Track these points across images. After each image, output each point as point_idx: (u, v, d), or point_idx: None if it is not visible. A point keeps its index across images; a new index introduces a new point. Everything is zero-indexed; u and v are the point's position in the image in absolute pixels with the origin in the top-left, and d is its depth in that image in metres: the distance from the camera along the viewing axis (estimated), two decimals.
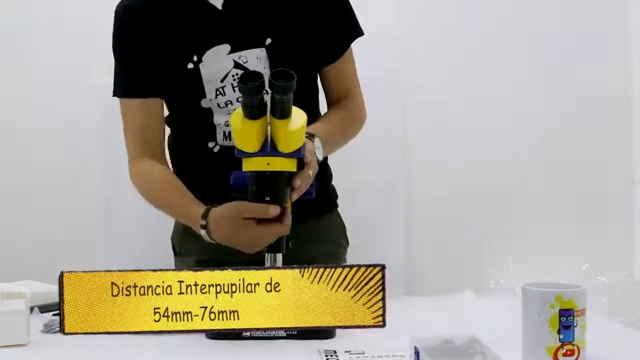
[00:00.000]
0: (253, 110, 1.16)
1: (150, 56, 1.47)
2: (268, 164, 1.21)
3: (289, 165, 1.22)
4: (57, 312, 1.32)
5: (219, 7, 1.44)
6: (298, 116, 1.21)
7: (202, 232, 1.32)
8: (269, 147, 1.21)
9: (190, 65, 1.45)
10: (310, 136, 1.30)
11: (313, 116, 1.50)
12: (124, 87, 1.52)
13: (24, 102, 2.32)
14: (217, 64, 1.44)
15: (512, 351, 1.01)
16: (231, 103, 1.46)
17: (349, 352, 1.05)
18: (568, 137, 2.34)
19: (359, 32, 1.54)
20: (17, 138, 2.31)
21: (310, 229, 1.53)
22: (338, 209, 1.69)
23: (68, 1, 2.32)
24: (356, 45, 1.58)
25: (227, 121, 1.45)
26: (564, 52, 2.33)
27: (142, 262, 2.32)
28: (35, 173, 2.31)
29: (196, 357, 1.08)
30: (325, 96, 1.59)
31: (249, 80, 1.13)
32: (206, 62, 1.44)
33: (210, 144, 1.49)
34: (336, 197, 1.69)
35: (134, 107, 1.50)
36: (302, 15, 1.48)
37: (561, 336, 0.95)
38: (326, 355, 1.04)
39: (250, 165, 1.22)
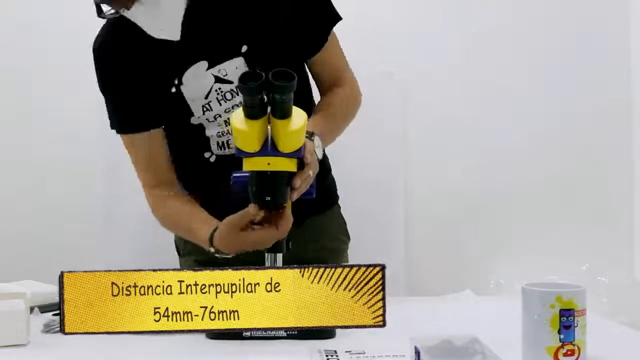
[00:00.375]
0: (253, 110, 1.16)
1: (134, 88, 1.47)
2: (268, 163, 1.21)
3: (290, 165, 1.22)
4: (57, 312, 1.32)
5: (177, 34, 1.41)
6: (298, 116, 1.21)
7: (218, 255, 1.34)
8: (269, 147, 1.21)
9: (173, 90, 1.45)
10: (309, 135, 1.29)
11: (308, 107, 1.47)
12: (119, 123, 1.53)
13: (24, 102, 2.32)
14: (198, 82, 1.44)
15: (512, 351, 1.01)
16: (220, 116, 1.46)
17: (349, 352, 1.05)
18: (568, 137, 2.34)
19: (337, 17, 1.51)
20: (17, 138, 2.31)
21: (311, 225, 1.54)
22: (339, 202, 1.69)
23: (68, 1, 2.32)
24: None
25: (219, 132, 1.47)
26: (564, 52, 2.33)
27: (142, 262, 2.32)
28: (35, 173, 2.31)
29: (196, 357, 1.08)
30: (317, 85, 1.57)
31: (249, 80, 1.13)
32: (186, 82, 1.44)
33: (207, 154, 1.50)
34: (336, 190, 1.68)
35: (134, 140, 1.51)
36: (276, 15, 1.45)
37: (561, 336, 0.95)
38: (326, 355, 1.04)
39: (250, 165, 1.22)
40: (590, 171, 2.34)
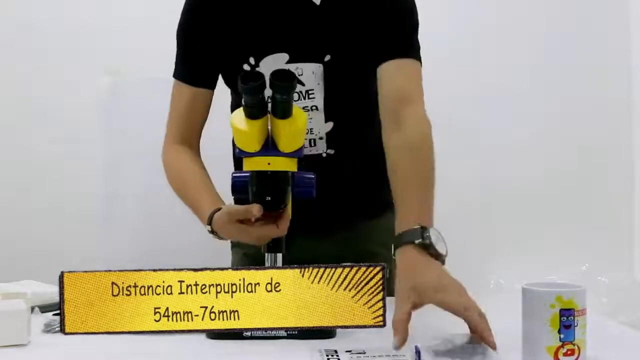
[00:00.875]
0: (254, 110, 1.16)
1: (212, 48, 1.47)
2: (269, 163, 1.21)
3: (290, 165, 1.23)
4: (57, 312, 1.32)
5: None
6: (299, 116, 1.21)
7: (213, 236, 1.35)
8: (269, 147, 1.21)
9: (246, 67, 1.43)
10: (423, 230, 1.15)
11: (369, 162, 1.45)
12: (179, 70, 1.54)
13: (24, 102, 2.32)
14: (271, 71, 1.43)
15: (512, 351, 1.01)
16: None
17: (349, 351, 1.05)
18: (568, 137, 2.34)
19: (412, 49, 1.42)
20: (17, 138, 2.32)
21: (356, 230, 1.55)
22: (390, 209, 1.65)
23: (68, 1, 2.33)
24: None
25: None
26: (564, 53, 2.33)
27: (142, 262, 2.32)
28: (35, 173, 2.31)
29: (196, 356, 1.08)
30: (379, 102, 1.42)
31: (249, 80, 1.13)
32: (262, 67, 1.41)
33: None
34: (390, 199, 1.44)
35: (184, 91, 1.52)
36: (362, 34, 1.40)
37: (562, 336, 0.95)
38: (327, 355, 1.04)
39: (251, 165, 1.22)
40: (590, 171, 2.34)
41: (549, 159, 2.34)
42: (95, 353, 1.09)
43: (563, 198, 2.33)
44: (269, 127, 1.21)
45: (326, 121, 1.42)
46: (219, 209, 1.33)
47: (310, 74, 1.40)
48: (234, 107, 1.57)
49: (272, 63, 1.40)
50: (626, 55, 2.36)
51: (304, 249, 1.42)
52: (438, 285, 1.09)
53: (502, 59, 2.31)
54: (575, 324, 0.95)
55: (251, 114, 1.17)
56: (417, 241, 1.14)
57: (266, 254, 1.27)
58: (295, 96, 1.38)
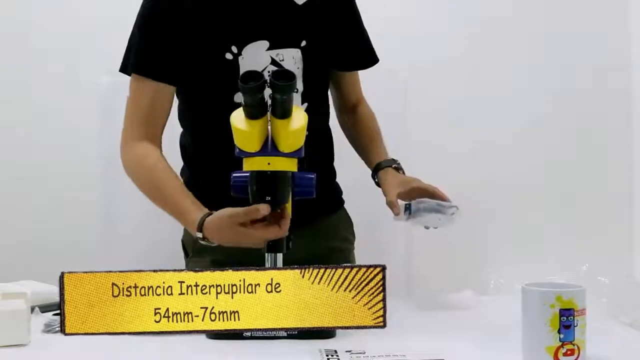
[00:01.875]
0: (253, 110, 1.16)
1: (185, 41, 1.44)
2: (269, 163, 1.21)
3: (290, 165, 1.23)
4: (57, 312, 1.32)
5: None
6: (298, 116, 1.21)
7: (201, 242, 1.34)
8: (269, 147, 1.21)
9: (229, 56, 1.45)
10: (398, 164, 1.55)
11: (325, 117, 1.61)
12: (141, 64, 1.46)
13: (24, 102, 2.32)
14: (255, 59, 1.45)
15: (512, 351, 1.01)
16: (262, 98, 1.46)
17: (349, 352, 1.05)
18: (568, 137, 2.34)
19: (377, 59, 1.65)
20: (17, 138, 2.31)
21: (318, 227, 1.57)
22: (345, 205, 1.71)
23: (68, 1, 2.32)
24: None
25: None
26: (563, 52, 2.33)
27: (142, 262, 2.32)
28: (35, 173, 2.31)
29: (196, 357, 1.08)
30: (339, 100, 1.67)
31: (249, 80, 1.13)
32: (245, 55, 1.45)
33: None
34: (341, 193, 1.71)
35: (145, 86, 1.46)
36: (333, 25, 1.53)
37: (561, 336, 0.95)
38: (327, 355, 1.04)
39: (250, 165, 1.22)
40: (590, 171, 2.34)
41: (548, 158, 2.34)
42: (96, 353, 1.09)
43: (563, 198, 2.33)
44: (269, 127, 1.22)
45: (302, 102, 1.50)
46: (209, 214, 1.31)
47: (290, 59, 1.47)
48: (184, 114, 1.56)
49: (254, 51, 1.45)
50: (626, 55, 2.36)
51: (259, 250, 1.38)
52: (412, 180, 1.50)
53: (502, 58, 2.31)
54: (575, 324, 0.95)
55: (251, 114, 1.17)
56: (394, 165, 1.55)
57: (266, 254, 1.27)
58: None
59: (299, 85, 1.48)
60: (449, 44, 2.29)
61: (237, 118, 1.19)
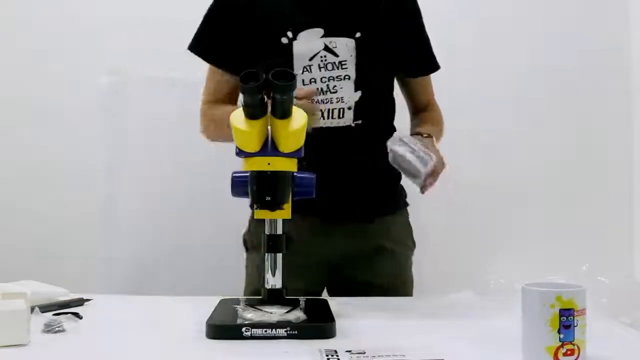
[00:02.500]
0: (253, 110, 1.16)
1: (245, 26, 1.55)
2: (269, 163, 1.21)
3: (290, 165, 1.23)
4: (57, 312, 1.32)
5: None
6: (298, 116, 1.21)
7: None
8: (269, 147, 1.21)
9: (285, 40, 1.53)
10: (427, 135, 1.51)
11: (389, 121, 1.66)
12: (203, 45, 1.60)
13: (24, 102, 2.32)
14: (309, 44, 1.53)
15: (512, 351, 1.01)
16: (315, 81, 1.53)
17: (349, 352, 1.05)
18: (568, 137, 2.34)
19: (436, 66, 1.74)
20: (17, 138, 2.32)
21: (372, 225, 1.61)
22: (408, 208, 1.74)
23: (68, 1, 2.33)
24: None
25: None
26: (564, 52, 2.33)
27: (142, 262, 2.34)
28: (35, 173, 2.31)
29: (196, 357, 1.08)
30: (409, 103, 1.75)
31: (249, 80, 1.13)
32: (299, 40, 1.53)
33: None
34: (404, 197, 1.73)
35: (213, 70, 1.61)
36: (390, 23, 1.61)
37: (561, 336, 0.95)
38: (327, 355, 1.04)
39: (250, 165, 1.22)
40: (590, 171, 2.34)
41: (548, 158, 2.34)
42: (96, 353, 1.09)
43: (563, 198, 2.33)
44: (269, 127, 1.22)
45: (355, 90, 1.55)
46: None
47: (343, 46, 1.54)
48: None
49: (308, 36, 1.53)
50: (626, 55, 2.36)
51: (318, 243, 1.57)
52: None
53: (502, 58, 2.31)
54: (575, 324, 0.95)
55: (251, 114, 1.17)
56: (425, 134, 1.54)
57: (266, 254, 1.27)
58: (330, 66, 1.53)
59: (351, 73, 1.54)
60: (449, 44, 2.28)
61: (237, 118, 1.18)
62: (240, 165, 1.25)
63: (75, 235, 2.27)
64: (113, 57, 2.28)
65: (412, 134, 1.56)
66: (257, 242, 1.44)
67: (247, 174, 1.23)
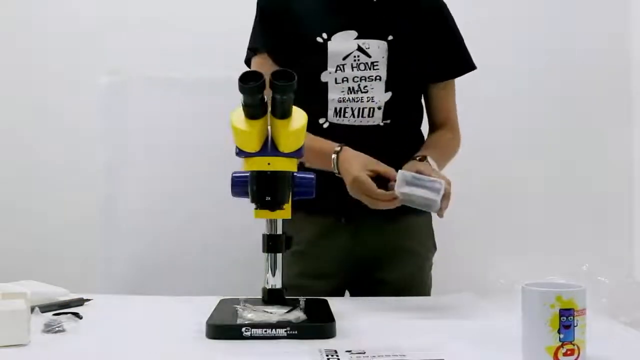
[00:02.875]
0: (253, 110, 1.16)
1: (286, 24, 1.62)
2: (269, 163, 1.21)
3: (290, 165, 1.23)
4: (57, 312, 1.32)
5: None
6: (298, 116, 1.21)
7: (333, 156, 1.50)
8: (269, 147, 1.21)
9: (320, 40, 1.58)
10: (422, 158, 1.52)
11: (416, 123, 1.69)
12: (263, 42, 1.64)
13: (24, 102, 2.32)
14: (343, 44, 1.58)
15: (512, 351, 1.01)
16: (347, 80, 1.58)
17: (349, 352, 1.05)
18: (568, 137, 2.34)
19: (472, 66, 1.73)
20: (17, 138, 2.32)
21: (395, 225, 1.63)
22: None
23: (68, 1, 2.33)
24: None
25: (340, 97, 1.59)
26: (564, 52, 2.33)
27: (142, 262, 2.34)
28: (35, 173, 2.31)
29: (196, 357, 1.08)
30: (428, 115, 1.74)
31: (249, 80, 1.13)
32: (334, 40, 1.58)
33: (322, 120, 1.60)
34: None
35: (268, 63, 1.61)
36: (422, 27, 1.64)
37: (561, 336, 0.95)
38: (327, 355, 1.04)
39: (250, 165, 1.22)
40: (590, 171, 2.34)
41: (549, 158, 2.34)
42: (96, 353, 1.09)
43: (563, 198, 2.33)
44: (269, 127, 1.22)
45: (386, 91, 1.59)
46: (342, 149, 1.50)
47: (376, 48, 1.58)
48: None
49: (343, 37, 1.58)
50: (626, 55, 2.36)
51: (342, 241, 1.62)
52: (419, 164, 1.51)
53: (502, 58, 2.31)
54: (575, 324, 0.95)
55: (251, 114, 1.17)
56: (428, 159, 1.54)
57: (266, 254, 1.27)
58: (362, 66, 1.58)
59: (382, 73, 1.58)
60: None
61: (237, 118, 1.18)
62: (240, 165, 1.25)
63: (75, 235, 2.27)
64: (113, 57, 2.28)
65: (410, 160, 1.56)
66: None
67: (247, 174, 1.23)
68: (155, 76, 2.26)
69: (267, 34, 1.64)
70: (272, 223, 1.27)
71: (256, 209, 1.24)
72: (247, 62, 1.68)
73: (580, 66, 2.32)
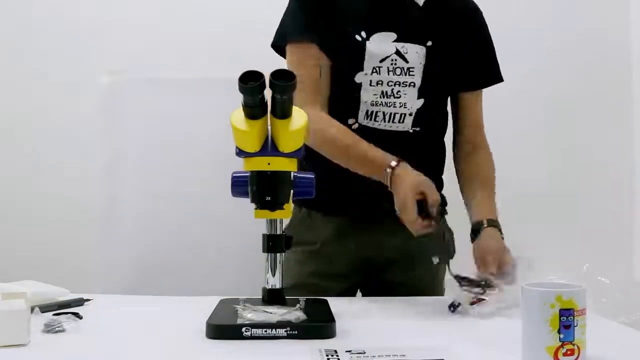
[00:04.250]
0: (253, 110, 1.16)
1: (328, 19, 1.56)
2: (269, 163, 1.21)
3: (290, 165, 1.23)
4: (57, 312, 1.32)
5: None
6: (298, 116, 1.21)
7: (388, 170, 1.44)
8: (269, 147, 1.21)
9: (359, 38, 1.55)
10: (494, 222, 1.58)
11: (441, 132, 1.68)
12: (304, 32, 1.57)
13: (24, 102, 2.32)
14: (381, 45, 1.55)
15: (512, 351, 1.01)
16: (381, 84, 1.56)
17: (349, 352, 1.05)
18: (569, 137, 2.34)
19: (501, 78, 1.71)
20: (17, 138, 2.32)
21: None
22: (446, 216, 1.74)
23: (68, 1, 2.33)
24: None
25: (373, 100, 1.57)
26: (564, 53, 2.33)
27: (142, 262, 2.34)
28: (35, 173, 2.31)
29: (196, 357, 1.08)
30: (454, 121, 1.72)
31: (249, 80, 1.13)
32: (373, 41, 1.55)
33: (351, 121, 1.59)
34: (443, 205, 1.72)
35: (312, 53, 1.56)
36: (459, 34, 1.62)
37: (561, 336, 0.95)
38: (327, 355, 1.04)
39: (250, 165, 1.22)
40: (590, 171, 2.34)
41: (549, 159, 2.34)
42: (96, 353, 1.09)
43: (563, 198, 2.33)
44: (269, 127, 1.22)
45: (418, 98, 1.58)
46: (399, 163, 1.44)
47: (414, 53, 1.56)
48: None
49: (382, 39, 1.55)
50: (626, 55, 2.36)
51: (361, 241, 1.62)
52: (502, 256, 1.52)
53: (502, 59, 2.30)
54: (575, 324, 0.95)
55: (251, 114, 1.17)
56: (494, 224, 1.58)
57: (267, 254, 1.27)
58: (398, 71, 1.56)
59: (417, 80, 1.57)
60: None
61: (237, 118, 1.18)
62: (241, 165, 1.25)
63: (75, 235, 2.27)
64: (113, 57, 2.28)
65: (472, 222, 1.59)
66: (296, 239, 1.43)
67: (247, 174, 1.23)
68: (155, 76, 2.27)
69: (312, 25, 1.57)
70: (272, 223, 1.27)
71: (256, 209, 1.24)
72: (275, 47, 1.62)
73: (580, 66, 2.33)
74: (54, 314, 1.28)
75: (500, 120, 2.30)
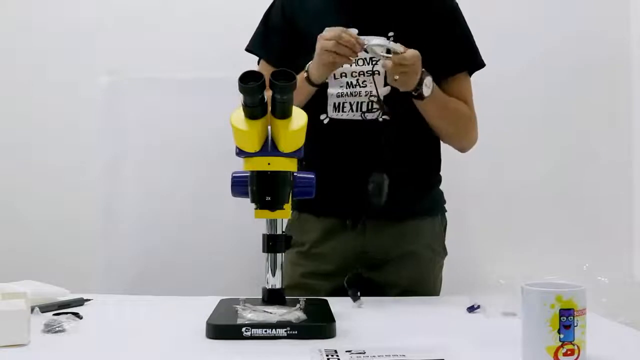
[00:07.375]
0: (253, 110, 1.16)
1: (290, 25, 1.66)
2: (269, 163, 1.21)
3: (290, 165, 1.23)
4: (57, 312, 1.32)
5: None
6: (298, 116, 1.21)
7: (307, 78, 1.54)
8: (269, 147, 1.21)
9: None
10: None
11: (418, 119, 1.63)
12: (260, 46, 1.71)
13: (24, 102, 2.32)
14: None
15: (512, 351, 1.01)
16: (345, 75, 1.61)
17: (349, 352, 1.05)
18: (569, 137, 2.34)
19: (481, 61, 1.72)
20: (17, 138, 2.31)
21: (402, 227, 1.65)
22: (446, 214, 1.75)
23: (68, 1, 2.32)
24: None
25: (339, 92, 1.62)
26: (564, 53, 2.33)
27: (142, 262, 2.34)
28: (35, 173, 2.31)
29: (196, 357, 1.08)
30: None
31: (249, 80, 1.13)
32: None
33: (322, 116, 1.63)
34: (440, 202, 1.75)
35: (266, 68, 1.65)
36: (429, 24, 1.65)
37: (561, 336, 0.95)
38: (327, 355, 1.04)
39: (250, 165, 1.22)
40: (590, 171, 2.34)
41: (548, 159, 2.34)
42: (96, 353, 1.09)
43: (563, 198, 2.33)
44: (269, 127, 1.22)
45: (384, 85, 1.59)
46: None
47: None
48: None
49: None
50: (626, 56, 2.36)
51: (348, 240, 1.62)
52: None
53: (502, 59, 2.30)
54: (575, 324, 0.95)
55: (251, 114, 1.17)
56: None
57: (267, 254, 1.27)
58: (361, 62, 1.60)
59: (381, 68, 1.57)
60: None
61: (237, 118, 1.18)
62: (241, 165, 1.25)
63: (75, 235, 2.27)
64: (113, 57, 2.28)
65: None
66: (293, 240, 1.45)
67: (247, 174, 1.23)
68: (155, 76, 2.27)
69: (269, 43, 1.69)
70: (272, 223, 1.27)
71: (256, 209, 1.24)
72: (249, 51, 1.73)
73: (580, 67, 2.32)
74: (54, 314, 1.29)
75: (499, 120, 2.31)
